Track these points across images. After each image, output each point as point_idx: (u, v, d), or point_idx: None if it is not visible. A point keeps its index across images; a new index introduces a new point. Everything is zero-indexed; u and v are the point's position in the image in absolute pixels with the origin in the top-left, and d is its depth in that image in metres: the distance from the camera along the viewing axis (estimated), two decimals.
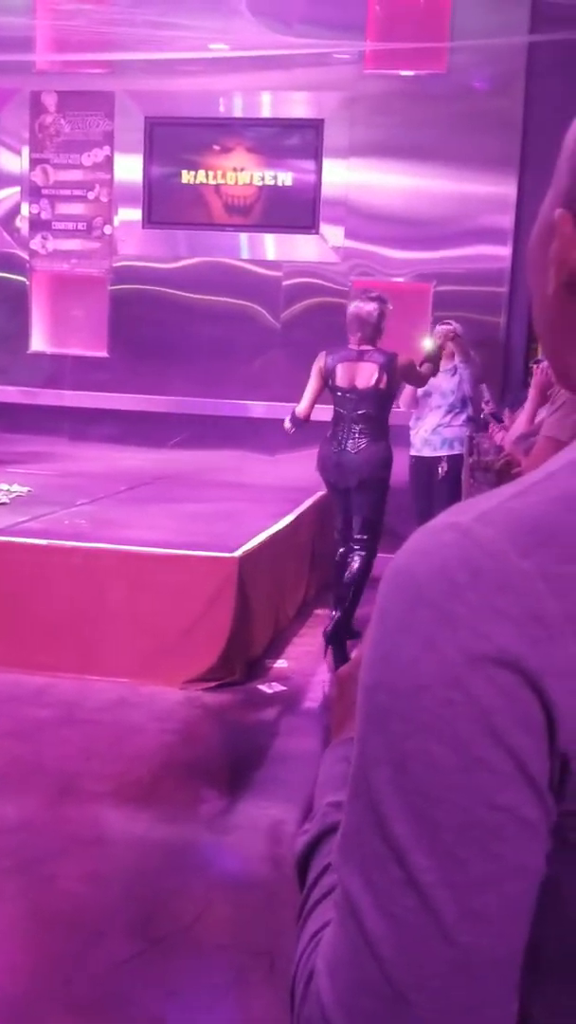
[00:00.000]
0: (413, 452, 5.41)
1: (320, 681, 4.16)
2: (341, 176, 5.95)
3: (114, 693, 3.83)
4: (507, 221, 5.73)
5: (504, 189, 5.69)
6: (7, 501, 5.03)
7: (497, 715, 0.46)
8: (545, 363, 3.41)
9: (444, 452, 5.29)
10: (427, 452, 5.35)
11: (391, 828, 0.47)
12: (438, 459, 5.30)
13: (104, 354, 6.28)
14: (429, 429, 5.33)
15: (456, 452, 5.28)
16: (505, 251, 5.79)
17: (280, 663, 4.34)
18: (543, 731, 0.46)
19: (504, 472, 3.46)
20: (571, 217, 0.56)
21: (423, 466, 5.37)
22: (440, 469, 5.29)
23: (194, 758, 3.35)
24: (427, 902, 0.46)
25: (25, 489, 5.31)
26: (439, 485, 5.29)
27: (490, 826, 0.46)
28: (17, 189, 6.31)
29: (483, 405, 5.01)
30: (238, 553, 4.08)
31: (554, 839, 0.47)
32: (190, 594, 3.98)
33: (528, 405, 3.63)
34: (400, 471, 5.55)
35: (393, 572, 0.51)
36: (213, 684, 3.93)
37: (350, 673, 0.72)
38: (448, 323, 5.37)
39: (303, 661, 4.41)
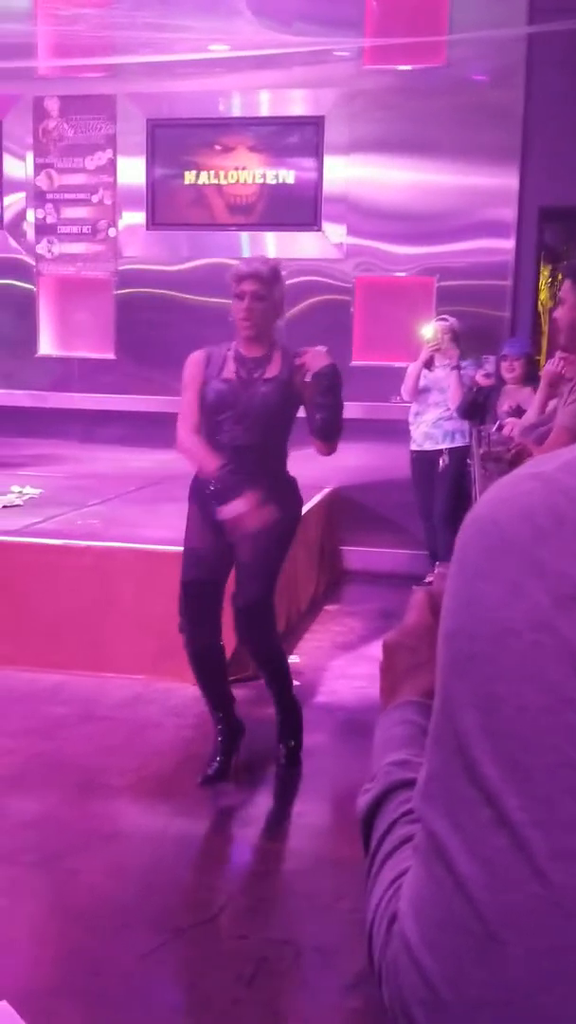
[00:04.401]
0: (414, 447, 5.44)
1: (332, 676, 4.19)
2: (342, 172, 5.97)
3: (129, 690, 3.86)
4: (510, 214, 5.74)
5: (506, 181, 5.69)
6: (20, 503, 5.08)
7: None
8: (559, 355, 3.44)
9: (446, 444, 5.33)
10: (428, 446, 5.38)
11: (480, 771, 0.48)
12: (439, 452, 5.34)
13: (111, 356, 6.32)
14: (430, 423, 5.36)
15: (458, 444, 5.31)
16: (508, 244, 5.79)
17: (292, 658, 4.36)
18: None
19: (516, 462, 3.48)
20: None
21: (424, 460, 5.40)
22: (441, 461, 5.32)
23: (208, 753, 3.38)
24: (518, 842, 0.47)
25: (37, 491, 5.36)
26: (440, 478, 5.32)
27: None
28: (23, 195, 6.34)
29: (481, 377, 5.01)
30: None
31: None
32: None
33: (538, 396, 3.65)
34: (401, 467, 5.58)
35: (473, 520, 0.52)
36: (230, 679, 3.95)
37: (398, 641, 0.74)
38: (444, 319, 5.40)
39: (315, 656, 4.44)
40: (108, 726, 3.51)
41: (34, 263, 6.37)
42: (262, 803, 3.02)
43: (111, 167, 6.19)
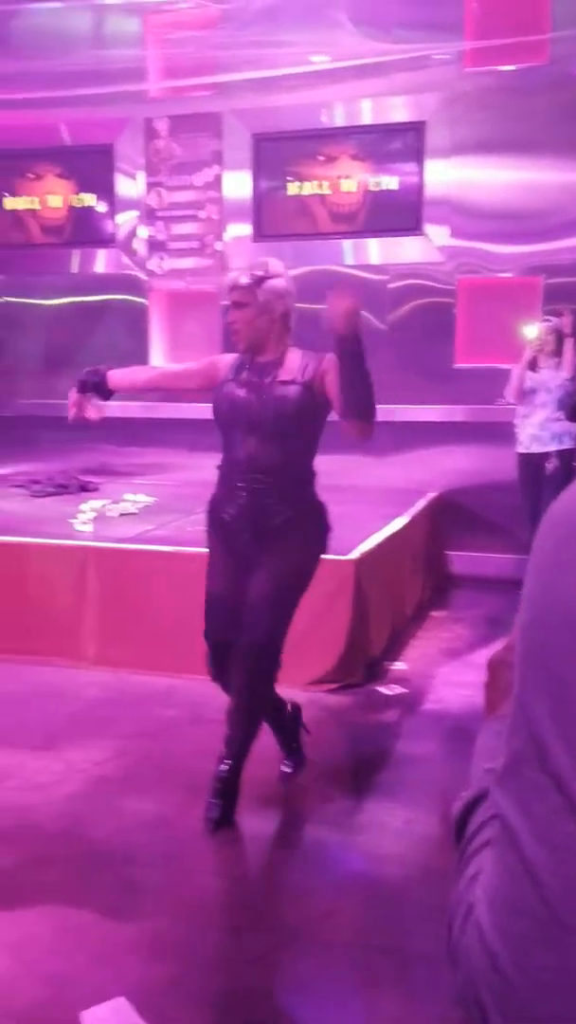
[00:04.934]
0: (520, 449, 5.37)
1: (439, 683, 4.17)
2: (444, 175, 5.95)
3: None
4: None
5: None
6: (136, 511, 5.27)
7: None
8: None
9: (554, 447, 5.24)
10: (536, 448, 5.30)
11: (551, 757, 0.48)
12: (547, 454, 5.25)
13: None
14: (537, 425, 5.28)
15: (566, 446, 5.21)
16: None
17: (399, 665, 4.38)
18: None
19: None
20: None
21: (531, 463, 5.32)
22: (549, 464, 5.23)
23: (319, 758, 3.43)
24: None
25: (150, 499, 5.54)
26: (548, 481, 5.23)
27: None
28: (135, 213, 6.56)
29: None
30: (354, 555, 4.14)
31: None
32: (308, 596, 4.06)
33: None
34: (508, 469, 5.51)
35: (550, 514, 0.54)
36: (334, 686, 4.00)
37: (502, 659, 0.76)
38: (548, 319, 5.32)
39: (421, 663, 4.43)
40: (216, 729, 3.60)
41: (146, 278, 6.57)
42: (370, 810, 3.05)
43: (217, 183, 6.34)
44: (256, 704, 2.90)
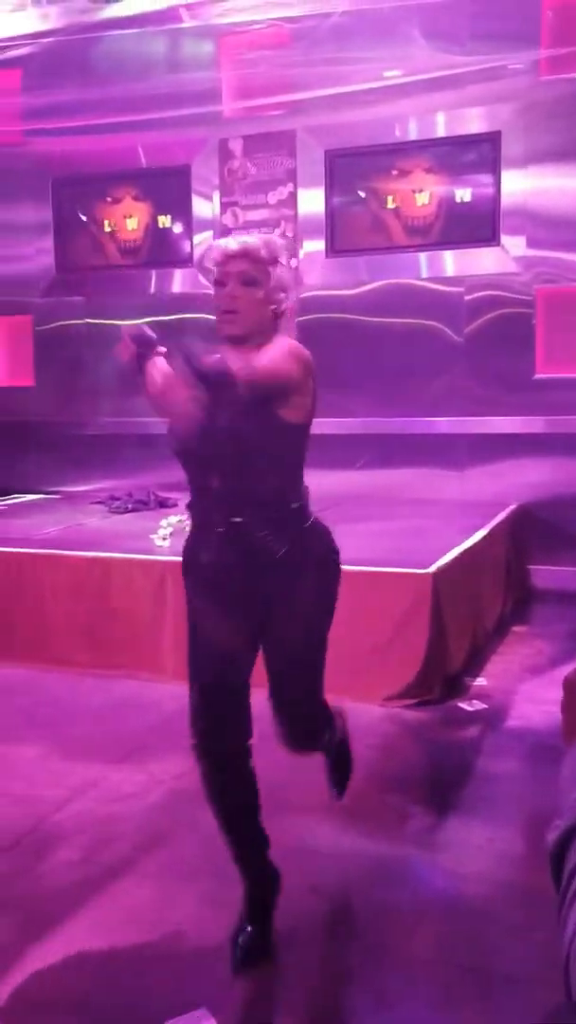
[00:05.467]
0: None
1: (522, 699, 4.10)
2: (519, 185, 5.89)
3: None
4: None
5: None
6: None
7: None
8: None
9: None
10: None
11: None
12: None
13: None
14: None
15: None
16: None
17: (480, 681, 4.31)
18: None
19: None
20: None
21: None
22: None
23: (397, 774, 3.40)
24: None
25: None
26: None
27: None
28: (210, 233, 6.67)
29: None
30: (432, 569, 4.10)
31: None
32: (385, 611, 4.05)
33: None
34: None
35: None
36: (412, 701, 3.96)
37: None
38: None
39: (503, 679, 4.36)
40: None
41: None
42: (451, 827, 3.00)
43: (291, 200, 6.40)
44: (317, 744, 2.58)
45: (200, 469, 2.26)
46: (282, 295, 2.24)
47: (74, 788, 3.25)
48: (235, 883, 2.62)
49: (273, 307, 2.23)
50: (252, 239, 2.23)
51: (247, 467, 2.21)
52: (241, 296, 2.17)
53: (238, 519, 2.21)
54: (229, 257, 2.19)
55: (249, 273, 2.17)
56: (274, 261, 2.21)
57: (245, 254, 2.18)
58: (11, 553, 4.85)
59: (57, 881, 2.68)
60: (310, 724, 2.46)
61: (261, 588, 2.26)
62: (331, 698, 3.96)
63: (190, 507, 2.34)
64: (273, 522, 2.24)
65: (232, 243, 2.22)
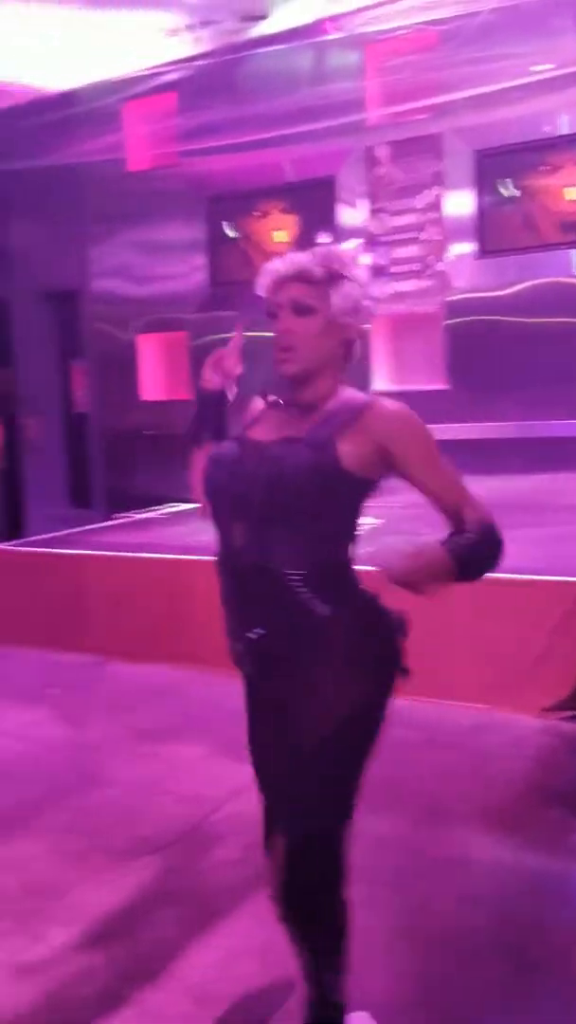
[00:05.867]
0: None
1: None
2: None
3: (471, 718, 3.89)
4: None
5: None
6: (361, 533, 5.34)
7: None
8: None
9: None
10: None
11: None
12: None
13: (444, 386, 6.43)
14: None
15: None
16: None
17: None
18: None
19: None
20: None
21: None
22: None
23: (556, 787, 3.30)
24: None
25: (378, 521, 5.60)
26: None
27: None
28: (358, 241, 6.71)
29: None
30: None
31: None
32: (539, 620, 3.95)
33: None
34: None
35: None
36: (571, 713, 3.84)
37: None
38: None
39: None
40: (451, 753, 3.57)
41: (368, 304, 6.69)
42: None
43: (438, 203, 6.35)
44: (322, 917, 1.85)
45: (226, 522, 1.84)
46: (351, 319, 1.82)
47: (233, 788, 3.33)
48: (389, 886, 2.62)
49: (337, 335, 1.82)
50: (305, 256, 1.80)
51: (280, 531, 1.76)
52: (295, 329, 1.79)
53: (253, 591, 1.80)
54: (278, 282, 1.81)
55: (303, 301, 1.78)
56: (335, 279, 1.79)
57: (297, 276, 1.79)
58: (169, 559, 5.04)
59: (216, 878, 2.76)
60: (307, 858, 1.77)
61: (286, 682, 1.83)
62: (486, 708, 3.92)
63: (217, 565, 1.88)
64: (295, 609, 1.78)
65: (280, 265, 1.81)
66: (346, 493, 1.79)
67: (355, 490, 1.80)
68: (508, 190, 6.19)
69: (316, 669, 1.76)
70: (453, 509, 1.81)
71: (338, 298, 1.79)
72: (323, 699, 1.76)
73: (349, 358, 1.88)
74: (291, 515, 1.74)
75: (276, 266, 1.82)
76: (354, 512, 1.84)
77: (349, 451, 1.75)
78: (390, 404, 1.83)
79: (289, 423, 1.83)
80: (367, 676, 1.81)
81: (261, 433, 1.85)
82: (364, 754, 1.81)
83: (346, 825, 1.80)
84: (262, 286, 1.85)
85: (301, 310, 1.79)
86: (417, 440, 1.82)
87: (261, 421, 1.91)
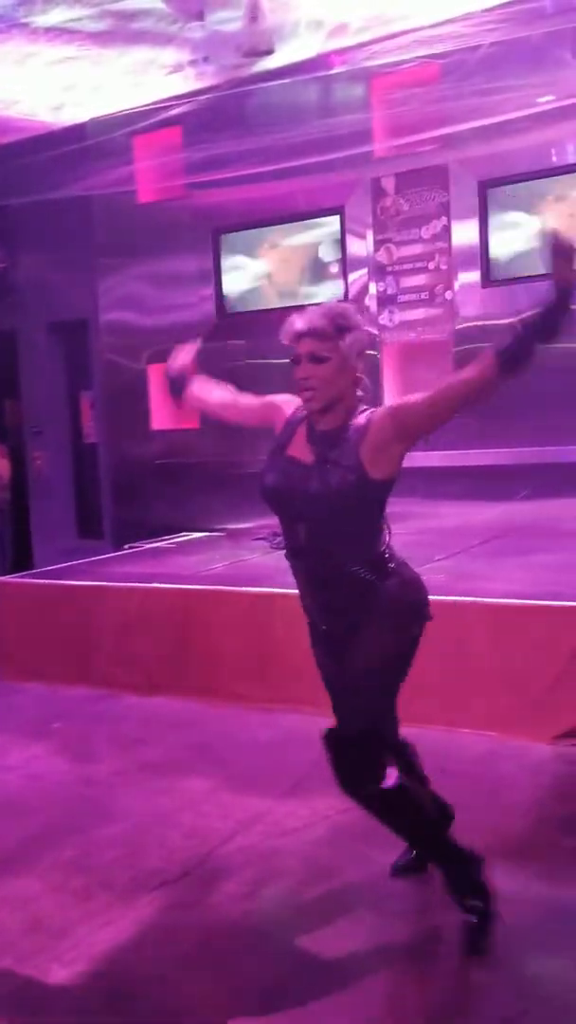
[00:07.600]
0: None
1: None
2: None
3: (483, 746, 3.85)
4: None
5: None
6: None
7: None
8: None
9: None
10: None
11: None
12: None
13: None
14: None
15: None
16: None
17: None
18: None
19: None
20: None
21: None
22: None
23: (571, 816, 3.26)
24: None
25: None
26: None
27: None
28: (364, 270, 6.77)
29: None
30: None
31: None
32: (553, 645, 3.92)
33: None
34: None
35: None
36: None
37: None
38: None
39: None
40: (462, 781, 3.52)
41: (377, 333, 6.72)
42: None
43: (445, 233, 6.40)
44: (381, 802, 2.47)
45: (288, 524, 2.48)
46: (358, 360, 2.41)
47: (241, 821, 3.30)
48: (401, 920, 2.59)
49: (348, 375, 2.39)
50: (318, 316, 2.35)
51: (329, 532, 2.40)
52: (314, 375, 2.35)
53: (321, 574, 2.46)
54: (297, 337, 2.38)
55: (317, 353, 2.35)
56: (341, 333, 2.35)
57: (310, 333, 2.35)
58: (181, 590, 5.03)
59: (223, 914, 2.73)
60: (351, 752, 2.41)
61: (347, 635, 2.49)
62: (499, 735, 3.88)
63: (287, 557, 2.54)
64: (337, 572, 2.43)
65: (299, 322, 2.37)
66: (376, 496, 2.39)
67: (384, 492, 2.40)
68: (514, 220, 6.24)
69: (366, 617, 2.39)
70: (460, 381, 2.47)
71: (346, 346, 2.36)
72: (372, 637, 2.39)
73: (359, 385, 2.45)
74: (339, 522, 2.35)
75: (295, 324, 2.37)
76: (382, 506, 2.42)
77: (372, 464, 2.33)
78: (379, 411, 2.39)
79: (321, 445, 2.39)
80: (401, 620, 2.43)
81: (298, 452, 2.43)
82: (400, 675, 2.45)
83: (386, 724, 2.49)
84: (285, 337, 2.40)
85: (317, 360, 2.35)
86: (396, 404, 2.40)
87: (295, 441, 2.45)
